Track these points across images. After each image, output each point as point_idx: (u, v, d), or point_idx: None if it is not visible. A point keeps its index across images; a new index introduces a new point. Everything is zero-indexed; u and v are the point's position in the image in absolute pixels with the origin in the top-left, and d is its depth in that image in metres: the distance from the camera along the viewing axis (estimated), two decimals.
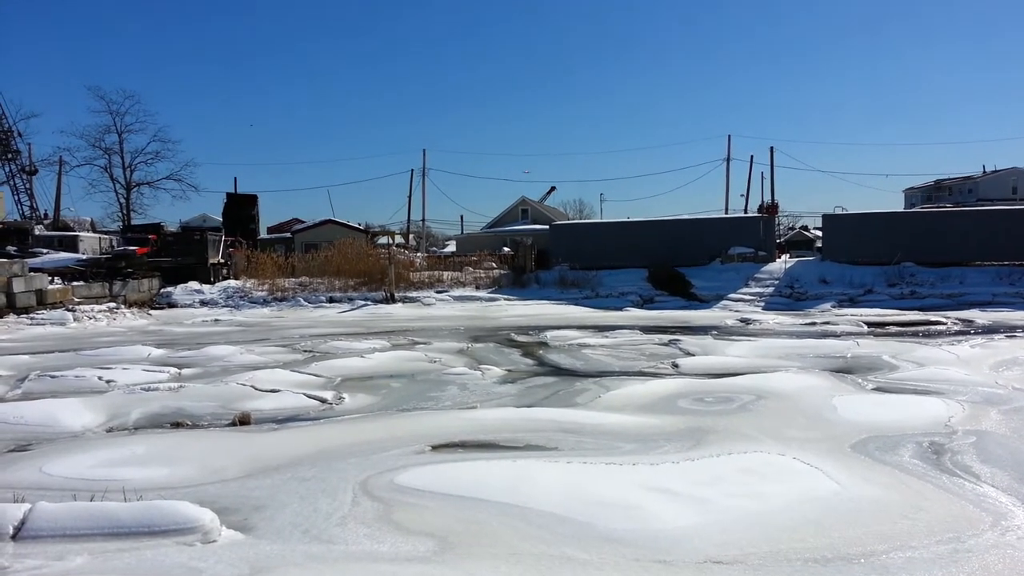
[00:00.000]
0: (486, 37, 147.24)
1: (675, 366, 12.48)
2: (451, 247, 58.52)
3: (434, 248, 60.39)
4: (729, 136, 53.78)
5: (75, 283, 25.91)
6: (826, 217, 34.10)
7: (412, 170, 54.56)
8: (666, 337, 16.65)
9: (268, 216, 58.69)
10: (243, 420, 8.61)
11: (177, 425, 8.56)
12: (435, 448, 7.32)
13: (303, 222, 56.17)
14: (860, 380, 10.88)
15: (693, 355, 13.80)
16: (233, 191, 49.30)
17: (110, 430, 8.43)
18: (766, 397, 9.49)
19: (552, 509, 5.45)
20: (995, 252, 29.14)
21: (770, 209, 39.74)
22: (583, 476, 6.26)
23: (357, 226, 50.60)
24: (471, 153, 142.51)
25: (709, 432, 7.76)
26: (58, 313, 22.32)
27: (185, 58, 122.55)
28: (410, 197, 54.48)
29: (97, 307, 24.06)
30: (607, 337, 16.84)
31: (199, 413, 9.10)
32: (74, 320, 21.89)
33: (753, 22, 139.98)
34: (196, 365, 13.13)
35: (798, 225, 65.85)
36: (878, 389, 10.23)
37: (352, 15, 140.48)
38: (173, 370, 12.42)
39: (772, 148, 51.18)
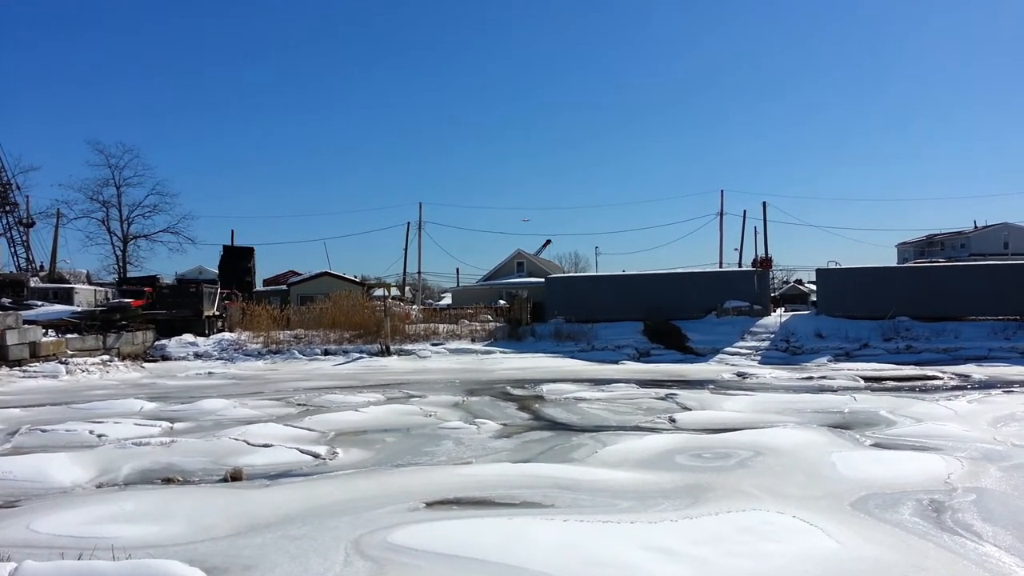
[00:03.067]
0: (482, 93, 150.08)
1: (672, 421, 12.41)
2: (447, 300, 58.57)
3: (430, 300, 60.35)
4: (722, 191, 54.18)
5: (69, 335, 25.80)
6: (820, 272, 34.29)
7: (408, 223, 54.83)
8: (663, 391, 16.58)
9: (264, 268, 58.96)
10: (235, 476, 8.51)
11: (168, 481, 8.44)
12: (429, 505, 7.22)
13: (299, 274, 56.22)
14: (858, 436, 10.82)
15: (690, 410, 13.73)
16: (230, 243, 49.50)
17: (100, 486, 8.31)
18: (764, 453, 9.42)
19: (548, 569, 5.35)
20: (989, 307, 29.24)
21: (764, 263, 39.99)
22: (580, 534, 6.17)
23: (353, 278, 50.68)
24: (467, 207, 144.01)
25: (707, 489, 7.68)
26: (51, 366, 22.18)
27: (184, 111, 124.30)
28: (406, 250, 54.71)
29: (90, 360, 23.93)
30: (603, 391, 16.76)
31: (190, 468, 8.99)
32: (67, 373, 21.75)
33: (746, 80, 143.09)
34: (188, 419, 13.00)
35: (792, 279, 66.23)
36: (876, 445, 10.17)
37: (349, 68, 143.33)
38: (165, 424, 12.30)
39: (764, 203, 51.73)
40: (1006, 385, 17.46)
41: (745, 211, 54.97)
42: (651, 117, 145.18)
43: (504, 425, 12.26)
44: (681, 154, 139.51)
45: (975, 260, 46.58)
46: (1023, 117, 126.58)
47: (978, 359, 23.73)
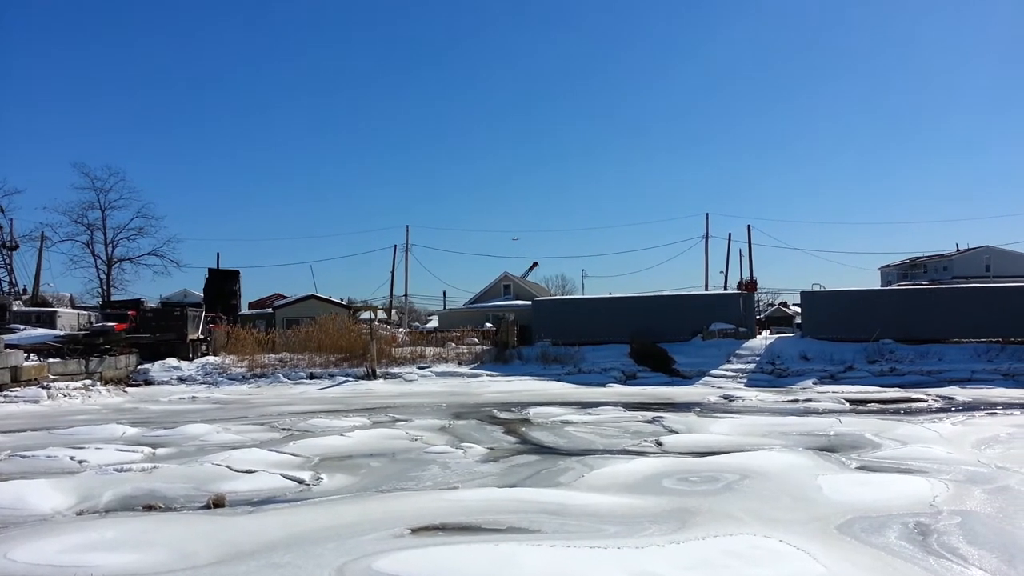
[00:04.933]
0: (468, 116, 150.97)
1: (659, 444, 12.39)
2: (434, 322, 58.41)
3: (416, 323, 60.19)
4: (707, 214, 54.51)
5: (51, 360, 25.52)
6: (804, 295, 34.49)
7: (395, 246, 54.84)
8: (649, 414, 16.57)
9: (250, 291, 58.23)
10: (217, 502, 8.41)
11: (149, 507, 8.33)
12: (415, 531, 7.15)
13: (285, 297, 55.90)
14: (844, 459, 10.84)
15: (677, 433, 13.72)
16: (215, 266, 49.26)
17: (80, 513, 8.19)
18: (751, 476, 9.41)
19: None
20: (972, 329, 29.51)
21: (749, 286, 40.15)
22: (567, 560, 6.13)
23: (339, 302, 50.48)
24: (454, 229, 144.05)
25: (695, 513, 7.66)
26: (32, 391, 21.91)
27: (170, 133, 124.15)
28: (393, 273, 54.67)
29: (72, 384, 23.64)
30: (590, 414, 16.73)
31: (172, 495, 8.87)
32: (48, 398, 21.48)
33: (732, 106, 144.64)
34: (171, 444, 12.87)
35: (777, 302, 66.67)
36: (862, 468, 10.19)
37: (336, 90, 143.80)
38: (147, 450, 12.17)
39: (749, 226, 52.21)
40: (990, 407, 17.57)
41: (730, 234, 55.46)
42: (636, 141, 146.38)
43: (491, 449, 12.20)
44: (668, 179, 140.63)
45: (958, 283, 47.06)
46: (1003, 142, 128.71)
47: (962, 381, 23.89)
